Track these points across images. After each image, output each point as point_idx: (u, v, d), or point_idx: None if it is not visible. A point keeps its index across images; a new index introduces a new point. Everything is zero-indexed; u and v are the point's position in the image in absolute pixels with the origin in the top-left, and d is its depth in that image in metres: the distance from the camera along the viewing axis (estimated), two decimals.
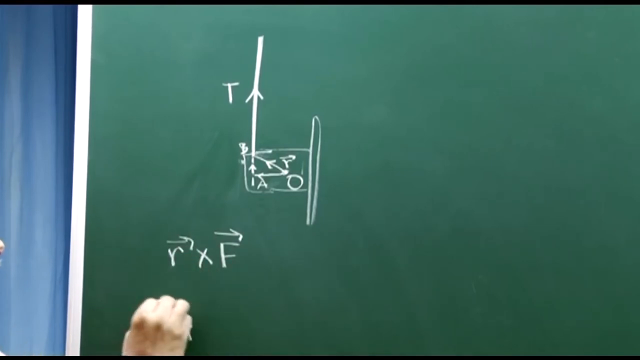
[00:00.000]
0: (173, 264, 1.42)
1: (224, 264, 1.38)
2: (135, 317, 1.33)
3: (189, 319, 1.37)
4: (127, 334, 1.34)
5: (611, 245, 1.15)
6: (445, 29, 1.26)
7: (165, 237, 1.42)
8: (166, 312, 1.33)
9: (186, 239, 1.41)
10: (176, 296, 1.39)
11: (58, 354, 2.31)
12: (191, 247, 1.41)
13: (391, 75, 1.29)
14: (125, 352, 1.33)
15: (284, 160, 1.35)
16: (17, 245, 2.27)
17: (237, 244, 1.38)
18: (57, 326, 2.35)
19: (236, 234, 1.38)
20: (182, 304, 1.37)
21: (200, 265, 1.40)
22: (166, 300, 1.37)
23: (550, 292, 1.17)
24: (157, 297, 1.39)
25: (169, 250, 1.42)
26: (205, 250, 1.40)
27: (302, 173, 1.33)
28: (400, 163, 1.27)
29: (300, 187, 1.33)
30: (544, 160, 1.19)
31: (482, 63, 1.24)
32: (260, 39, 1.38)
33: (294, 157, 1.34)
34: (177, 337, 1.32)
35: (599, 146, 1.16)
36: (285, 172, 1.35)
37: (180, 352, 1.32)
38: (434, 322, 1.24)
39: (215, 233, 1.39)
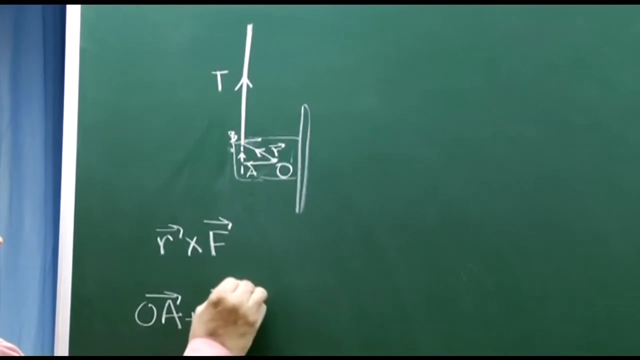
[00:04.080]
0: (162, 252, 1.42)
1: (213, 252, 1.38)
2: (214, 295, 1.29)
3: (264, 308, 1.33)
4: (199, 309, 1.31)
5: (601, 233, 1.15)
6: (436, 18, 1.26)
7: (154, 225, 1.42)
8: (245, 296, 1.29)
9: (175, 227, 1.41)
10: (166, 284, 1.39)
11: (47, 342, 2.31)
12: (180, 235, 1.41)
13: (381, 64, 1.29)
14: (194, 327, 1.30)
15: (274, 149, 1.35)
16: (5, 234, 2.26)
17: (226, 232, 1.37)
18: (46, 315, 2.34)
19: (225, 222, 1.38)
20: (261, 292, 1.32)
21: (189, 254, 1.40)
22: (246, 284, 1.32)
23: (540, 280, 1.18)
24: (146, 284, 1.39)
25: (158, 239, 1.42)
26: (195, 239, 1.40)
27: (291, 161, 1.33)
28: (390, 151, 1.27)
29: (289, 175, 1.33)
30: (534, 149, 1.19)
31: (473, 52, 1.24)
32: (250, 27, 1.38)
33: (283, 145, 1.34)
34: (250, 324, 1.28)
35: (589, 134, 1.16)
36: (274, 160, 1.35)
37: (249, 339, 1.29)
38: (424, 310, 1.24)
39: (205, 221, 1.39)
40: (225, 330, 1.27)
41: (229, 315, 1.27)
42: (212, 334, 1.27)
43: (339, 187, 1.30)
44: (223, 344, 1.27)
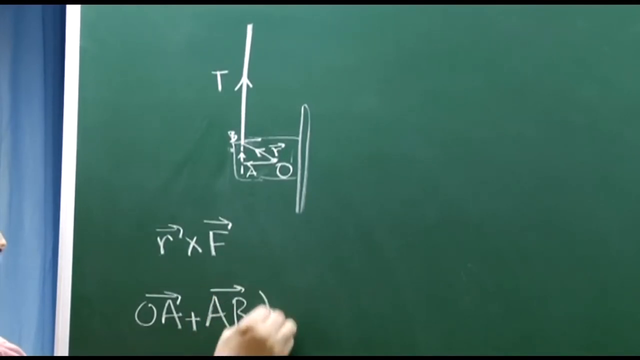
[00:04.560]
0: (162, 252, 1.42)
1: (213, 252, 1.38)
2: (243, 322, 1.28)
3: (291, 342, 1.30)
4: (226, 334, 1.29)
5: (601, 234, 1.15)
6: (436, 18, 1.26)
7: (154, 225, 1.42)
8: (274, 327, 1.28)
9: (175, 227, 1.41)
10: (166, 284, 1.39)
11: (47, 343, 2.31)
12: (180, 235, 1.40)
13: (381, 64, 1.29)
14: (219, 350, 1.29)
15: (273, 149, 1.35)
16: (5, 234, 2.26)
17: (226, 232, 1.37)
18: (46, 315, 2.34)
19: (225, 222, 1.38)
20: (291, 326, 1.30)
21: (189, 254, 1.40)
22: (277, 315, 1.30)
23: (540, 280, 1.18)
24: (146, 284, 1.39)
25: (158, 239, 1.42)
26: (195, 239, 1.39)
27: (291, 161, 1.33)
28: (390, 151, 1.27)
29: (289, 175, 1.33)
30: (534, 149, 1.19)
31: (472, 52, 1.24)
32: (250, 27, 1.38)
33: (283, 145, 1.34)
34: (274, 357, 1.27)
35: (589, 134, 1.16)
36: (274, 160, 1.35)
37: None
38: (424, 310, 1.24)
39: (205, 221, 1.39)
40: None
41: (256, 345, 1.26)
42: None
43: (339, 187, 1.30)
44: None
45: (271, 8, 1.36)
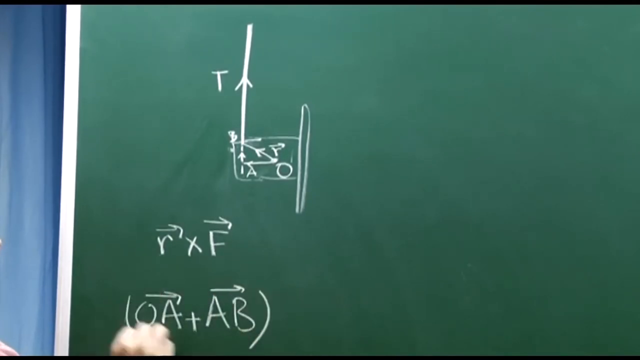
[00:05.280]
0: (162, 252, 1.42)
1: (213, 252, 1.38)
2: (116, 346, 1.35)
3: (169, 345, 1.37)
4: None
5: (601, 234, 1.15)
6: (436, 18, 1.26)
7: (154, 225, 1.42)
8: (145, 337, 1.35)
9: (175, 227, 1.41)
10: (166, 284, 1.39)
11: (47, 342, 2.31)
12: (180, 235, 1.40)
13: (381, 64, 1.29)
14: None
15: (274, 149, 1.35)
16: (5, 234, 2.26)
17: (226, 232, 1.37)
18: (46, 315, 2.34)
19: (225, 222, 1.38)
20: (161, 329, 1.37)
21: (189, 254, 1.40)
22: (143, 327, 1.38)
23: (540, 280, 1.18)
24: (146, 284, 1.40)
25: (158, 239, 1.42)
26: (195, 239, 1.39)
27: (291, 161, 1.33)
28: (390, 151, 1.27)
29: (289, 175, 1.33)
30: (534, 149, 1.19)
31: (473, 52, 1.24)
32: (250, 27, 1.38)
33: (283, 145, 1.34)
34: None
35: (589, 134, 1.16)
36: (274, 160, 1.35)
37: None
38: (424, 310, 1.24)
39: (205, 221, 1.39)
40: None
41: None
42: None
43: (339, 187, 1.30)
44: None
45: (271, 8, 1.36)
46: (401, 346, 1.25)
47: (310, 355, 1.30)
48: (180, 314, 1.40)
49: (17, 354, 1.31)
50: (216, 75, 1.39)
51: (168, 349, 1.36)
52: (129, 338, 1.35)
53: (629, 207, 1.13)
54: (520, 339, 1.19)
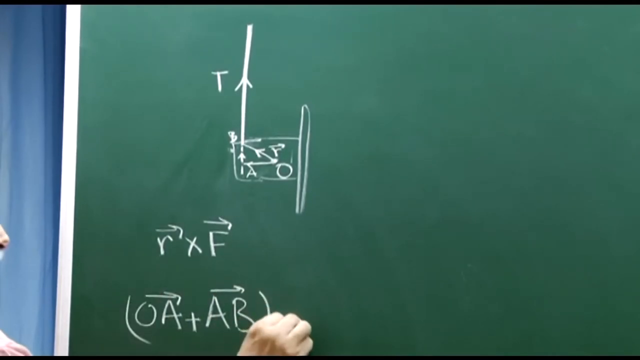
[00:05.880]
0: (162, 252, 1.42)
1: (213, 253, 1.38)
2: (252, 326, 1.29)
3: (309, 342, 1.30)
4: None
5: (601, 234, 1.15)
6: (436, 18, 1.26)
7: (154, 226, 1.42)
8: (283, 328, 1.27)
9: (175, 227, 1.41)
10: (166, 284, 1.39)
11: (47, 343, 2.31)
12: (180, 236, 1.40)
13: (381, 64, 1.29)
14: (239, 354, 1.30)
15: (273, 149, 1.35)
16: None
17: (226, 233, 1.37)
18: (46, 315, 2.34)
19: (225, 222, 1.38)
20: (304, 325, 1.30)
21: (189, 254, 1.40)
22: (289, 317, 1.31)
23: (540, 280, 1.18)
24: (146, 284, 1.39)
25: (158, 239, 1.42)
26: (195, 239, 1.40)
27: (291, 162, 1.33)
28: (390, 152, 1.27)
29: (289, 175, 1.33)
30: (534, 149, 1.19)
31: (472, 52, 1.24)
32: (250, 27, 1.38)
33: (283, 145, 1.34)
34: (289, 356, 1.26)
35: (589, 135, 1.16)
36: (274, 160, 1.35)
37: None
38: (424, 310, 1.24)
39: (205, 222, 1.39)
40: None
41: (263, 346, 1.26)
42: None
43: (339, 187, 1.30)
44: None
45: (271, 8, 1.36)
46: (401, 346, 1.25)
47: (310, 355, 1.30)
48: (180, 315, 1.40)
49: (30, 354, 1.31)
50: (216, 75, 1.39)
51: (306, 347, 1.29)
52: (268, 322, 1.28)
53: (629, 207, 1.13)
54: (520, 339, 1.19)
